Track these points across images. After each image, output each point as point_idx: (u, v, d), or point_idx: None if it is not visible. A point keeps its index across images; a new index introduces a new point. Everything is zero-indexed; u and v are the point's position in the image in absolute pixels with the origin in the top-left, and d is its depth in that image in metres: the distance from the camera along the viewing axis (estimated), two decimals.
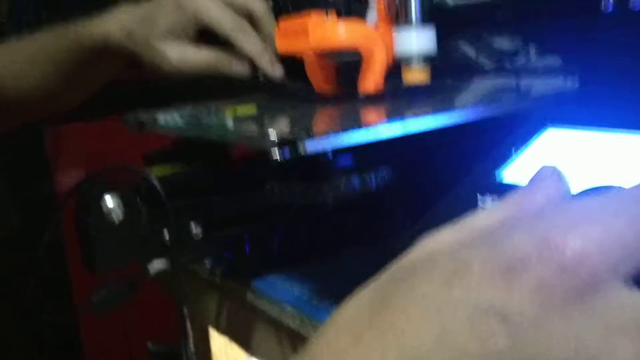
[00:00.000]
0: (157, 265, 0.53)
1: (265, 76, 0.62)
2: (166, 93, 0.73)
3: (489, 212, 0.25)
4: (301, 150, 0.35)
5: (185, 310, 0.61)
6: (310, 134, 0.36)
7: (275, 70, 0.60)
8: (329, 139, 0.36)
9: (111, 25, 0.65)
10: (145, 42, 0.64)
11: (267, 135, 0.37)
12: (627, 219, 0.21)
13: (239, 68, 0.63)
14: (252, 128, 0.45)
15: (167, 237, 0.47)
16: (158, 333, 1.08)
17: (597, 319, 0.20)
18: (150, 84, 0.78)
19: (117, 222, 0.44)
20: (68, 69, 0.69)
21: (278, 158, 0.35)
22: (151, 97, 0.73)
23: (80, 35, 0.66)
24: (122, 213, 0.45)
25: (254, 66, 0.62)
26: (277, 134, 0.37)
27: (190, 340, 0.59)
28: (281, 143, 0.36)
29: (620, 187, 0.23)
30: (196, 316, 0.68)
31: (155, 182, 0.45)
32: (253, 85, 0.66)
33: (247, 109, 0.62)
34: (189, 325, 0.67)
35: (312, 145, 0.35)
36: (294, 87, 0.62)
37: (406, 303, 0.21)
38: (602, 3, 0.38)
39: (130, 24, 0.64)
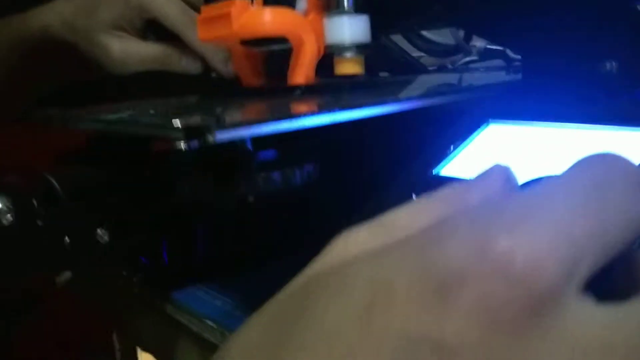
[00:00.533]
0: (63, 275, 0.47)
1: (218, 74, 0.58)
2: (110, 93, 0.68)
3: (415, 209, 0.20)
4: (210, 139, 0.31)
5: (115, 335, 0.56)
6: (220, 122, 0.31)
7: (229, 69, 0.56)
8: (241, 128, 0.31)
9: (50, 16, 0.60)
10: (86, 34, 0.58)
11: (172, 124, 0.33)
12: (573, 213, 0.17)
13: (189, 65, 0.58)
14: (160, 119, 0.40)
15: (67, 240, 0.41)
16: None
17: (558, 341, 0.16)
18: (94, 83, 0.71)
19: (6, 224, 0.39)
20: (6, 67, 0.62)
21: (183, 148, 0.31)
22: (94, 97, 0.67)
23: (17, 29, 0.60)
24: (13, 216, 0.39)
25: (204, 62, 0.58)
26: (183, 122, 0.32)
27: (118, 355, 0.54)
28: (188, 131, 0.31)
29: (563, 172, 0.19)
30: (123, 334, 0.63)
31: (54, 182, 0.40)
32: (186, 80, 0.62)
33: (179, 106, 0.58)
34: (115, 341, 0.62)
35: (222, 134, 0.31)
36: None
37: (312, 340, 0.16)
38: None
39: (71, 16, 0.59)
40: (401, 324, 0.16)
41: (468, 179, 0.23)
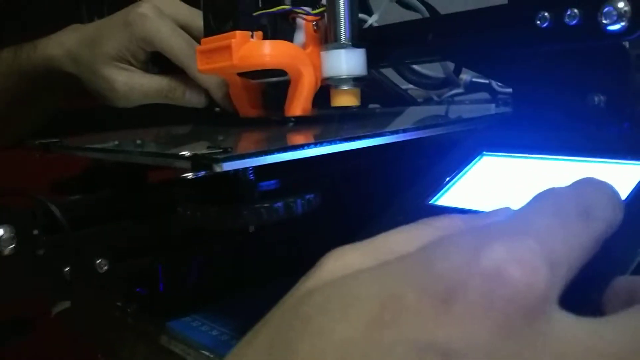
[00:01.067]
0: (59, 305, 0.47)
1: (221, 108, 0.58)
2: (110, 120, 0.68)
3: (406, 233, 0.22)
4: (217, 169, 0.31)
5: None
6: (226, 152, 0.32)
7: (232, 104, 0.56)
8: (247, 158, 0.32)
9: (55, 48, 0.60)
10: (90, 66, 0.58)
11: (179, 152, 0.33)
12: (551, 232, 0.19)
13: (193, 98, 0.59)
14: (166, 148, 0.41)
15: (67, 270, 0.41)
16: None
17: (548, 345, 0.17)
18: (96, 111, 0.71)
19: (7, 253, 0.39)
20: (11, 95, 0.62)
21: (191, 175, 0.31)
22: (94, 123, 0.67)
23: (22, 58, 0.60)
24: (14, 244, 0.39)
25: (209, 95, 0.58)
26: (190, 151, 0.33)
27: None
28: (195, 161, 0.32)
29: (532, 200, 0.22)
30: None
31: (54, 209, 0.40)
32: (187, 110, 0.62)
33: (175, 135, 0.58)
34: None
35: (229, 164, 0.31)
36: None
37: (322, 353, 0.17)
38: (538, 19, 0.36)
39: (75, 47, 0.59)
40: (411, 332, 0.17)
41: (465, 208, 0.24)
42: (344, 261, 0.20)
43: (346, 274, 0.19)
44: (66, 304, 0.47)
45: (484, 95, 0.70)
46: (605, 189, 0.22)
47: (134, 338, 0.55)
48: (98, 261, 0.42)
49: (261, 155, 0.33)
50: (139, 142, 0.56)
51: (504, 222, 0.20)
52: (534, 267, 0.17)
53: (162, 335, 0.49)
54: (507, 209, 0.24)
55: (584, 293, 0.20)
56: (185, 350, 0.47)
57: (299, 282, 0.20)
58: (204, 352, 0.45)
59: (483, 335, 0.16)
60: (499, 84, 0.66)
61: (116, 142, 0.55)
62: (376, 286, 0.18)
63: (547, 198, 0.21)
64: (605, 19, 0.34)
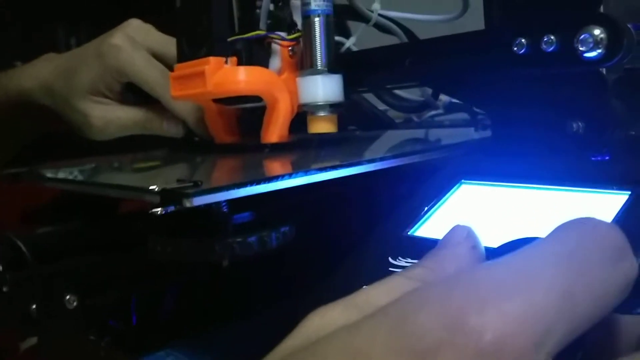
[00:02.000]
0: (28, 339, 0.46)
1: (199, 137, 0.57)
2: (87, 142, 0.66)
3: (387, 286, 0.21)
4: (187, 204, 0.30)
5: None
6: (197, 185, 0.31)
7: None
8: (219, 192, 0.31)
9: (29, 80, 0.59)
10: (65, 100, 0.57)
11: (149, 187, 0.32)
12: (544, 287, 0.17)
13: (170, 128, 0.58)
14: (138, 180, 0.40)
15: (34, 308, 0.40)
16: None
17: None
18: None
19: None
20: None
21: (160, 211, 0.30)
22: (70, 145, 0.66)
23: None
24: None
25: (186, 125, 0.57)
26: (160, 185, 0.32)
27: None
28: (164, 195, 0.31)
29: (533, 241, 0.20)
30: None
31: (21, 245, 0.39)
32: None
33: (150, 162, 0.57)
34: None
35: (199, 199, 0.30)
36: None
37: None
38: (515, 45, 0.36)
39: (50, 80, 0.58)
40: None
41: (438, 245, 0.23)
42: (327, 319, 0.19)
43: (323, 335, 0.18)
44: (35, 340, 0.45)
45: (464, 115, 0.70)
46: (617, 228, 0.20)
47: None
48: (67, 297, 0.40)
49: (233, 189, 0.32)
50: (115, 164, 0.56)
51: (487, 275, 0.18)
52: (507, 338, 0.16)
53: None
54: (460, 227, 0.23)
55: (579, 341, 0.19)
56: None
57: (282, 342, 0.19)
58: None
59: None
60: None
61: (93, 166, 0.54)
62: (345, 346, 0.17)
63: (563, 235, 0.19)
64: (582, 46, 0.33)
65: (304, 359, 0.18)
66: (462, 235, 0.23)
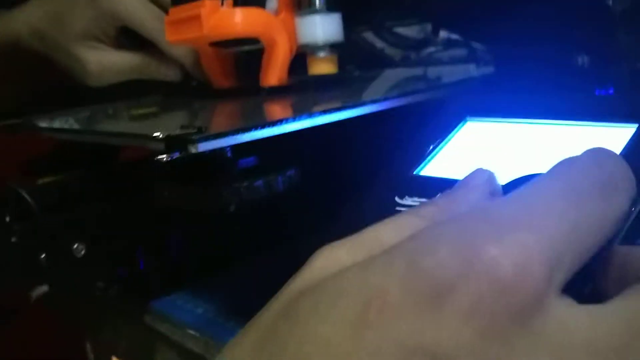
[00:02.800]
0: (37, 289, 0.46)
1: (198, 80, 0.56)
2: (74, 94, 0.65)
3: (397, 224, 0.21)
4: (192, 150, 0.30)
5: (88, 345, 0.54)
6: (201, 131, 0.31)
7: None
8: (223, 137, 0.31)
9: (19, 25, 0.56)
10: (58, 45, 0.55)
11: (154, 134, 0.32)
12: (554, 219, 0.18)
13: (168, 72, 0.56)
14: (139, 127, 0.39)
15: (44, 257, 0.40)
16: None
17: (542, 345, 0.16)
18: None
19: None
20: None
21: (165, 158, 0.30)
22: (56, 99, 0.64)
23: None
24: None
25: (184, 68, 0.56)
26: (164, 132, 0.32)
27: None
28: (169, 142, 0.31)
29: (537, 177, 0.20)
30: (97, 345, 0.61)
31: (26, 196, 0.39)
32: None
33: (146, 108, 0.56)
34: (89, 351, 0.61)
35: (204, 144, 0.30)
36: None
37: (307, 352, 0.16)
38: None
39: (40, 24, 0.56)
40: (397, 333, 0.16)
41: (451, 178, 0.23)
42: (333, 258, 0.19)
43: (333, 272, 0.18)
44: (45, 288, 0.45)
45: (462, 51, 0.69)
46: (621, 160, 0.21)
47: (118, 319, 0.54)
48: (75, 245, 0.41)
49: (238, 134, 0.32)
50: (110, 111, 0.55)
51: (500, 208, 0.18)
52: (526, 267, 0.16)
53: (146, 315, 0.49)
54: (482, 171, 0.23)
55: (584, 274, 0.19)
56: (170, 330, 0.47)
57: (289, 282, 0.19)
58: (189, 330, 0.45)
59: (473, 338, 0.16)
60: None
61: (88, 114, 0.53)
62: (360, 283, 0.17)
63: (561, 172, 0.20)
64: None
65: (316, 296, 0.17)
66: (482, 178, 0.23)
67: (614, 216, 0.19)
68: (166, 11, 0.53)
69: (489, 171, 0.24)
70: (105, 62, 0.55)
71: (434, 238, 0.17)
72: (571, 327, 0.17)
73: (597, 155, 0.20)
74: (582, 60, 0.38)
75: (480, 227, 0.17)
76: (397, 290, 0.16)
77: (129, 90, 0.61)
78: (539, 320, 0.16)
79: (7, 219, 0.39)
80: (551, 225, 0.17)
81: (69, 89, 0.62)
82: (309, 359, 0.16)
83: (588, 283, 0.19)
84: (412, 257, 0.17)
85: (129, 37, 0.56)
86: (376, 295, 0.16)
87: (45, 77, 0.61)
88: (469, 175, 0.23)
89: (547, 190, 0.19)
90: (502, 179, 0.29)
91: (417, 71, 0.55)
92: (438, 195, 0.23)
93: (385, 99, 0.39)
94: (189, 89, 0.59)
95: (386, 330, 0.16)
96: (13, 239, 0.39)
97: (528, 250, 0.17)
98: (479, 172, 0.23)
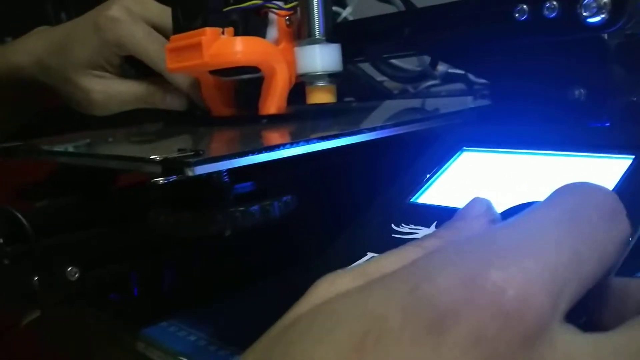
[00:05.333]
0: (29, 314, 0.46)
1: (202, 110, 0.56)
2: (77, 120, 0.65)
3: (399, 255, 0.20)
4: (188, 173, 0.30)
5: None
6: (198, 155, 0.31)
7: None
8: (220, 161, 0.31)
9: (23, 57, 0.57)
10: (63, 76, 0.55)
11: (150, 157, 0.32)
12: (555, 247, 0.17)
13: (173, 101, 0.56)
14: (136, 151, 0.39)
15: (36, 280, 0.40)
16: None
17: None
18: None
19: None
20: None
21: (162, 181, 0.30)
22: (58, 124, 0.65)
23: None
24: None
25: (189, 98, 0.56)
26: (161, 155, 0.32)
27: None
28: (166, 165, 0.31)
29: (533, 205, 0.20)
30: None
31: (22, 218, 0.38)
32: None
33: (145, 135, 0.56)
34: None
35: (201, 167, 0.30)
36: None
37: None
38: (516, 12, 0.35)
39: (45, 56, 0.56)
40: None
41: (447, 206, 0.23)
42: (335, 287, 0.19)
43: (333, 297, 0.18)
44: (36, 313, 0.45)
45: (460, 85, 0.69)
46: (614, 194, 0.21)
47: (109, 345, 0.53)
48: (68, 269, 0.40)
49: (235, 158, 0.32)
50: (110, 139, 0.55)
51: (502, 236, 0.18)
52: (530, 295, 0.16)
53: (138, 342, 0.48)
54: (480, 200, 0.23)
55: (583, 303, 0.19)
56: (162, 357, 0.46)
57: (290, 309, 0.19)
58: (181, 358, 0.44)
59: None
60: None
61: (88, 141, 0.53)
62: (359, 308, 0.17)
63: (560, 199, 0.20)
64: (585, 11, 0.33)
65: (313, 320, 0.17)
66: (481, 208, 0.23)
67: (615, 244, 0.19)
68: (168, 38, 0.53)
69: (487, 200, 0.23)
70: (110, 91, 0.55)
71: (436, 264, 0.17)
72: (575, 354, 0.16)
73: (591, 186, 0.20)
74: (579, 93, 0.38)
75: (482, 254, 0.17)
76: (396, 317, 0.16)
77: (130, 118, 0.62)
78: (543, 349, 0.16)
79: (1, 241, 0.39)
80: (553, 253, 0.17)
81: (69, 115, 0.62)
82: None
83: (582, 315, 0.19)
84: (413, 284, 0.17)
85: (133, 67, 0.57)
86: (374, 321, 0.16)
87: (47, 103, 0.62)
88: (467, 205, 0.23)
89: (547, 217, 0.19)
90: (498, 209, 0.29)
91: (415, 102, 0.56)
92: (440, 226, 0.23)
93: (383, 127, 0.39)
94: (189, 117, 0.59)
95: (383, 358, 0.15)
96: (5, 262, 0.39)
97: (532, 278, 0.16)
98: (477, 201, 0.23)
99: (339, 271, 0.20)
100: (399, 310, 0.16)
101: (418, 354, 0.15)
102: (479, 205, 0.23)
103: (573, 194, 0.20)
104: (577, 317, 0.19)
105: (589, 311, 0.20)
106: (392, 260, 0.20)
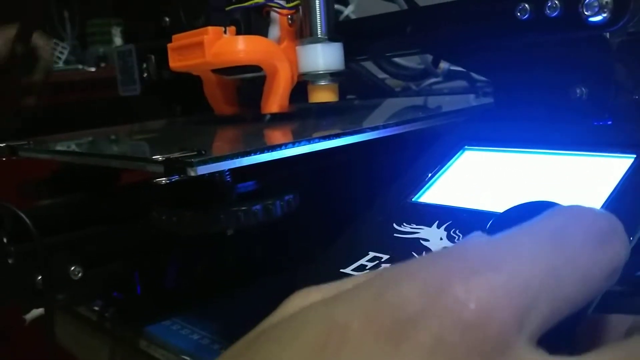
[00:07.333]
0: (33, 311, 0.46)
1: None
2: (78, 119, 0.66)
3: (377, 271, 0.21)
4: (191, 173, 0.30)
5: None
6: (200, 154, 0.31)
7: None
8: (222, 160, 0.31)
9: None
10: None
11: (152, 157, 0.32)
12: (528, 262, 0.17)
13: None
14: (138, 150, 0.40)
15: (40, 279, 0.40)
16: None
17: None
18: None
19: None
20: None
21: (164, 181, 0.30)
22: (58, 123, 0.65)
23: None
24: None
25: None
26: (164, 155, 0.32)
27: None
28: (168, 165, 0.31)
29: (527, 222, 0.19)
30: None
31: (25, 218, 0.39)
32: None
33: (147, 133, 0.57)
34: None
35: (203, 167, 0.30)
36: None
37: None
38: (518, 11, 0.35)
39: None
40: None
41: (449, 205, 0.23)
42: (308, 299, 0.19)
43: (304, 305, 0.18)
44: (40, 311, 0.45)
45: (462, 83, 0.69)
46: (616, 220, 0.20)
47: (113, 343, 0.54)
48: (72, 268, 0.40)
49: (237, 158, 0.32)
50: (113, 137, 0.55)
51: (474, 249, 0.18)
52: (491, 308, 0.16)
53: (141, 340, 0.48)
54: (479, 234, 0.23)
55: (569, 334, 0.19)
56: (165, 355, 0.46)
57: (263, 321, 0.19)
58: (184, 357, 0.44)
59: None
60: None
61: (90, 139, 0.53)
62: (324, 314, 0.17)
63: (547, 218, 0.19)
64: (587, 11, 0.33)
65: (280, 332, 0.17)
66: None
67: (602, 269, 0.18)
68: None
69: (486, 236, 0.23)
70: None
71: (403, 274, 0.17)
72: None
73: (581, 209, 0.20)
74: (581, 91, 0.38)
75: (451, 265, 0.17)
76: (359, 323, 0.16)
77: (132, 115, 0.62)
78: None
79: (5, 240, 0.39)
80: (525, 269, 0.17)
81: (72, 112, 0.63)
82: None
83: (567, 347, 0.19)
84: (377, 291, 0.17)
85: None
86: (338, 326, 0.16)
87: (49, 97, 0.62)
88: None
89: (526, 234, 0.18)
90: (500, 208, 0.29)
91: (417, 100, 0.56)
92: (441, 226, 0.22)
93: (385, 126, 0.39)
94: (192, 116, 0.59)
95: None
96: (10, 261, 0.39)
97: (495, 291, 0.16)
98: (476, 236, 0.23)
99: (314, 287, 0.20)
100: (362, 316, 0.16)
101: (377, 358, 0.15)
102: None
103: (559, 215, 0.19)
104: (559, 348, 0.18)
105: (572, 344, 0.19)
106: (370, 274, 0.20)
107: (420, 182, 0.38)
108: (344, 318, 0.16)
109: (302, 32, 0.47)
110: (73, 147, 0.48)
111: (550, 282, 0.17)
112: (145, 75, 0.62)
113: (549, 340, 0.17)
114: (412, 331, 0.16)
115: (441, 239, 0.31)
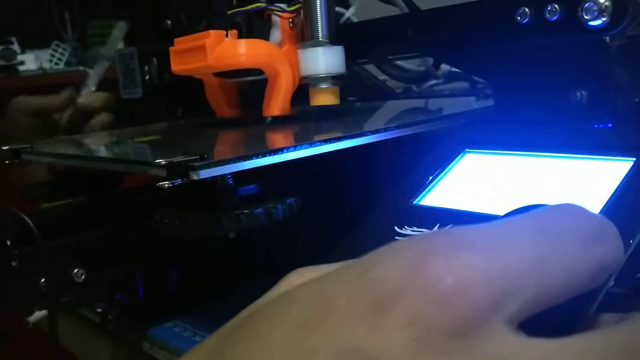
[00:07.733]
0: (36, 313, 0.46)
1: None
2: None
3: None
4: (193, 175, 0.30)
5: None
6: (203, 158, 0.31)
7: None
8: (225, 164, 0.31)
9: None
10: None
11: (155, 160, 0.32)
12: (513, 249, 0.18)
13: None
14: (141, 154, 0.40)
15: (43, 281, 0.40)
16: None
17: None
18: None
19: None
20: None
21: (167, 185, 0.30)
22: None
23: None
24: None
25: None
26: (166, 159, 0.32)
27: None
28: (171, 168, 0.31)
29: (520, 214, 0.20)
30: None
31: (28, 221, 0.39)
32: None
33: (149, 136, 0.57)
34: None
35: (205, 171, 0.30)
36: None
37: (253, 355, 0.17)
38: (518, 15, 0.36)
39: None
40: (336, 337, 0.16)
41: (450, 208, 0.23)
42: (303, 278, 0.20)
43: (296, 284, 0.19)
44: (43, 313, 0.45)
45: (463, 84, 0.69)
46: (609, 223, 0.20)
47: (115, 345, 0.54)
48: (75, 270, 0.41)
49: (239, 161, 0.32)
50: (115, 139, 0.55)
51: (459, 233, 0.18)
52: (467, 286, 0.17)
53: (143, 342, 0.48)
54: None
55: (564, 315, 0.19)
56: (167, 357, 0.46)
57: (260, 297, 0.20)
58: None
59: (408, 347, 0.16)
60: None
61: (92, 142, 0.54)
62: (313, 291, 0.18)
63: (540, 211, 0.20)
64: (586, 15, 0.33)
65: (272, 309, 0.18)
66: None
67: (590, 266, 0.19)
68: None
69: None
70: None
71: (387, 252, 0.18)
72: (514, 353, 0.17)
73: (574, 207, 0.20)
74: (581, 95, 0.39)
75: (434, 245, 0.18)
76: (343, 298, 0.17)
77: (133, 118, 0.62)
78: (480, 341, 0.16)
79: (8, 243, 0.39)
80: (509, 254, 0.18)
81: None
82: (254, 359, 0.17)
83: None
84: (363, 269, 0.18)
85: None
86: (323, 301, 0.17)
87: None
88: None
89: (516, 224, 0.19)
90: (501, 210, 0.29)
91: (418, 103, 0.56)
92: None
93: (386, 129, 0.39)
94: (194, 119, 0.60)
95: (326, 334, 0.16)
96: (13, 263, 0.39)
97: (473, 269, 0.17)
98: None
99: (311, 266, 0.21)
100: (346, 292, 0.17)
101: (358, 330, 0.16)
102: None
103: (551, 210, 0.20)
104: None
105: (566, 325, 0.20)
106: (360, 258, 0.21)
107: (421, 185, 0.38)
108: (330, 295, 0.17)
109: (304, 36, 0.48)
110: (76, 151, 0.48)
111: (534, 270, 0.18)
112: (147, 78, 0.62)
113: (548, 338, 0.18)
114: (392, 306, 0.16)
115: None
